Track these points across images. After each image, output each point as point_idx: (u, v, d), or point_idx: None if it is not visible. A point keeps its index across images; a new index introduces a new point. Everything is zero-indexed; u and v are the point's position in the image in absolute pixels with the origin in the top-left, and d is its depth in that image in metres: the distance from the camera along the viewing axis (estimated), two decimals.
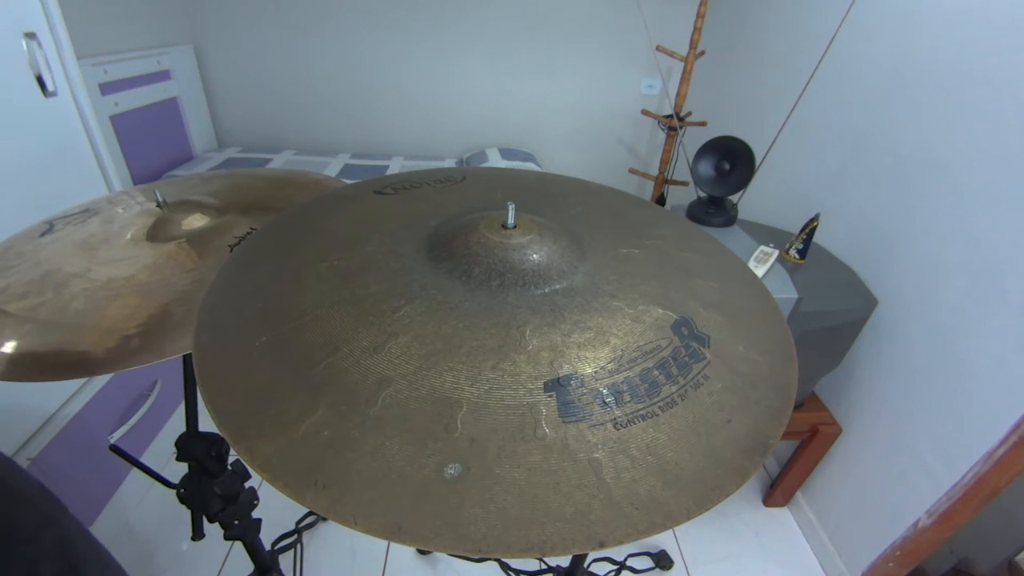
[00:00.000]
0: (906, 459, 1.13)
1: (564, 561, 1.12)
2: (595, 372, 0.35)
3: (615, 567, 1.30)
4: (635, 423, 0.33)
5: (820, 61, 1.34)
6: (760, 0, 1.90)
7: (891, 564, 1.14)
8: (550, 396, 0.33)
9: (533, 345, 0.36)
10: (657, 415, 0.33)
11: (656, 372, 0.36)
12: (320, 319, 0.38)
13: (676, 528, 1.44)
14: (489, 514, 0.27)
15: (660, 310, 0.41)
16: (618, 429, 0.32)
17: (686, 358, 0.38)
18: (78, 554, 0.48)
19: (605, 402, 0.34)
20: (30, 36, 1.09)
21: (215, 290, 0.43)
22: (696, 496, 0.29)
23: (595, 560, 1.30)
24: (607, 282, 0.44)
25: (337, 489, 0.28)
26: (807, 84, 1.38)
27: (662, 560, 1.34)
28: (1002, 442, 0.91)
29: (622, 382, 0.35)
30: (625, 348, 0.37)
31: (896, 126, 1.21)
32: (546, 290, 0.42)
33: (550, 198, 0.61)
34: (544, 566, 1.20)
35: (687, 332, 0.40)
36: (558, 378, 0.34)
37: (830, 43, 1.32)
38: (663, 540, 1.40)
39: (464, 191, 0.62)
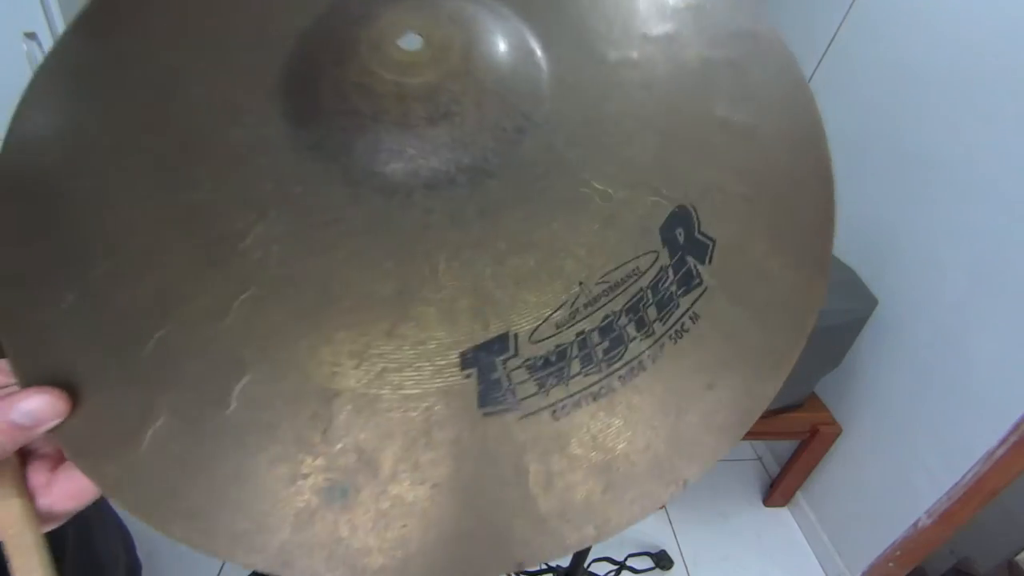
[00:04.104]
0: (906, 459, 1.13)
1: (564, 561, 1.12)
2: (535, 328, 0.23)
3: (615, 567, 1.31)
4: (582, 406, 0.23)
5: (820, 61, 1.34)
6: (760, 0, 1.90)
7: (891, 564, 1.14)
8: (468, 376, 0.23)
9: (449, 287, 0.23)
10: (614, 390, 0.24)
11: (624, 318, 0.24)
12: (138, 257, 0.24)
13: (676, 528, 1.45)
14: (386, 543, 0.22)
15: (651, 197, 0.25)
16: (557, 419, 0.23)
17: (672, 287, 0.25)
18: None
19: (544, 380, 0.24)
20: (30, 36, 1.09)
21: None
22: (644, 494, 0.23)
23: (595, 560, 1.31)
24: (576, 140, 0.26)
25: (204, 520, 0.23)
26: (807, 84, 1.38)
27: (662, 560, 1.34)
28: (1002, 442, 0.91)
29: (572, 342, 0.23)
30: (586, 277, 0.24)
31: (896, 125, 1.21)
32: (475, 173, 0.24)
33: None
34: (544, 566, 1.20)
35: (682, 236, 0.25)
36: (482, 344, 0.23)
37: (830, 43, 1.32)
38: (663, 540, 1.41)
39: None
